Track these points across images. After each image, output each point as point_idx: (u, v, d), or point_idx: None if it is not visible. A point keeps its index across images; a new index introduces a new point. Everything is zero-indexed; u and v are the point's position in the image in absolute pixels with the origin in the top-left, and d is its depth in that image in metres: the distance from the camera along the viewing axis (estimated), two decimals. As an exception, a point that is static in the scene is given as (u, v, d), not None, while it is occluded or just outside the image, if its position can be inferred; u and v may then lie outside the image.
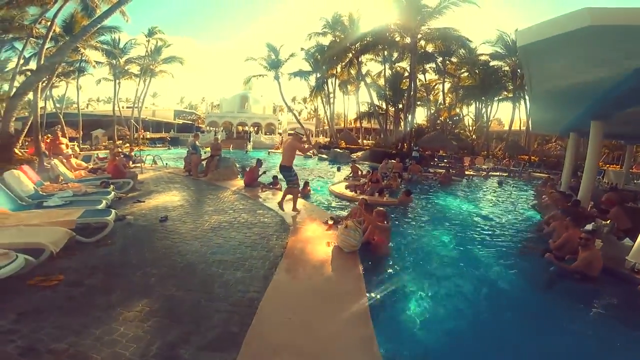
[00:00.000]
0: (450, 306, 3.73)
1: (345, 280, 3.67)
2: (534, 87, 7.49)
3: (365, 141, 37.27)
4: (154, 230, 4.94)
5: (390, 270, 4.49)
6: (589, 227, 5.63)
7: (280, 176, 7.85)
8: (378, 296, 3.60)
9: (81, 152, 14.34)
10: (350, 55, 27.56)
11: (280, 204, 6.53)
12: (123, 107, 36.45)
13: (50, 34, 14.18)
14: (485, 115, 32.48)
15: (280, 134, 40.04)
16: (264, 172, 9.90)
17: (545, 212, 8.40)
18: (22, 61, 20.16)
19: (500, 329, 3.39)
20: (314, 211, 6.83)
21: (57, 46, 16.57)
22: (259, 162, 9.58)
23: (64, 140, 11.80)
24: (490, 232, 7.06)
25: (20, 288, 3.02)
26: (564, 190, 10.37)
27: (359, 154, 22.84)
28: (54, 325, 2.51)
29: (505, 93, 30.19)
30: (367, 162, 20.32)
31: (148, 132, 33.41)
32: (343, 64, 29.35)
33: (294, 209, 6.51)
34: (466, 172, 17.94)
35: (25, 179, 6.31)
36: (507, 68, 28.26)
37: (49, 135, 14.17)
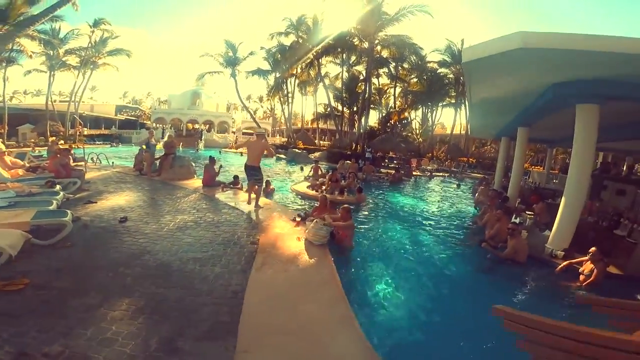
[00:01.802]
0: (408, 287, 4.42)
1: (320, 270, 3.99)
2: (473, 96, 8.50)
3: (321, 142, 37.91)
4: (115, 232, 4.75)
5: (357, 259, 5.14)
6: (515, 220, 6.73)
7: (242, 175, 7.95)
8: (350, 282, 4.07)
9: (12, 150, 12.81)
10: (312, 56, 27.93)
11: (249, 200, 6.94)
12: (56, 101, 32.82)
13: None
14: (430, 119, 34.98)
15: (234, 132, 39.03)
16: (220, 167, 9.79)
17: (481, 208, 9.62)
18: None
19: (448, 304, 4.16)
20: (278, 209, 7.02)
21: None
22: (212, 160, 9.42)
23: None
24: (435, 225, 8.11)
25: None
26: (496, 188, 11.82)
27: (317, 154, 23.24)
28: (36, 329, 2.42)
29: (448, 99, 32.82)
30: (324, 163, 20.86)
31: (86, 129, 30.39)
32: (304, 64, 29.62)
33: (257, 205, 6.75)
34: (413, 173, 19.37)
35: (-46, 178, 5.64)
36: (451, 75, 30.75)
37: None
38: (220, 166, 9.88)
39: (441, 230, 7.64)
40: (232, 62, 30.23)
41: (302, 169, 16.67)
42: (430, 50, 33.12)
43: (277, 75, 32.01)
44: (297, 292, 3.37)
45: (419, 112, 35.99)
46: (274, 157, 23.57)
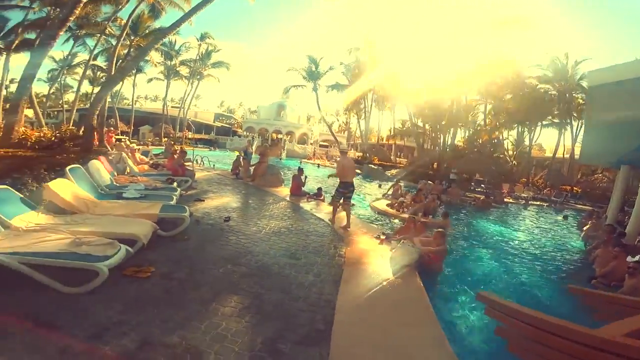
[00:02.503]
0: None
1: (408, 289, 3.94)
2: (593, 118, 7.42)
3: (397, 159, 37.06)
4: (221, 229, 5.30)
5: (445, 283, 5.02)
6: (636, 257, 5.76)
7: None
8: (439, 304, 3.91)
9: (139, 147, 15.41)
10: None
11: (333, 219, 6.68)
12: (169, 107, 38.62)
13: (124, 33, 15.38)
14: (527, 140, 31.43)
15: (311, 144, 40.69)
16: (305, 178, 10.15)
17: (590, 243, 8.59)
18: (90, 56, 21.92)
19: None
20: (360, 224, 7.01)
21: (125, 44, 17.71)
22: (301, 171, 9.87)
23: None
24: (533, 258, 7.34)
25: (116, 278, 3.12)
26: (610, 223, 10.08)
27: (394, 171, 22.77)
28: (159, 317, 2.65)
29: (551, 118, 29.15)
30: (402, 181, 20.27)
31: (190, 133, 35.10)
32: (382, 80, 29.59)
33: (348, 225, 6.33)
34: (505, 200, 17.44)
35: (103, 169, 6.91)
36: (554, 92, 27.36)
37: (111, 128, 15.38)
38: (306, 177, 10.34)
39: (540, 264, 6.91)
40: (314, 76, 31.79)
41: (380, 186, 16.44)
42: (528, 65, 29.89)
43: (355, 90, 32.48)
44: (386, 308, 3.41)
45: (513, 132, 32.68)
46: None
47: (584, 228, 10.22)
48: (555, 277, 6.22)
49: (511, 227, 11.24)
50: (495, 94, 29.32)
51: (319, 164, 27.12)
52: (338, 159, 6.77)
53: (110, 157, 9.13)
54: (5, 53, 17.83)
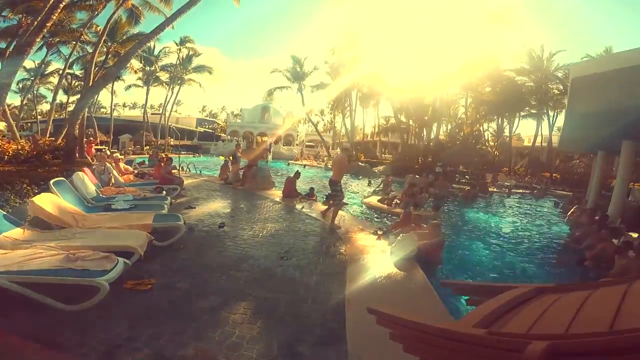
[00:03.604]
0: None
1: (412, 281, 3.98)
2: (574, 108, 7.71)
3: (383, 155, 37.42)
4: (217, 236, 5.20)
5: (444, 275, 5.12)
6: (622, 239, 6.13)
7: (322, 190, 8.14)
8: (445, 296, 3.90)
9: (122, 156, 14.97)
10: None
11: (324, 214, 6.84)
12: (149, 113, 37.74)
13: (102, 40, 14.86)
14: (507, 130, 32.34)
15: (297, 144, 40.61)
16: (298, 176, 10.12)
17: (574, 228, 8.98)
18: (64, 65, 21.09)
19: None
20: (355, 222, 7.04)
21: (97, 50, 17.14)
22: (297, 174, 9.89)
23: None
24: (525, 246, 7.62)
25: (117, 293, 3.01)
26: (590, 207, 10.53)
27: (381, 167, 22.95)
28: (169, 330, 2.57)
29: (528, 109, 30.08)
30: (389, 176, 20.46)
31: (172, 139, 34.37)
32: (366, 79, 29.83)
33: (332, 223, 6.34)
34: (489, 189, 17.88)
35: (88, 181, 6.66)
36: (531, 84, 28.24)
37: (91, 138, 14.88)
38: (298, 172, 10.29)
39: (528, 249, 7.23)
40: (299, 76, 31.69)
41: (370, 182, 16.56)
42: (504, 57, 30.77)
43: (339, 89, 32.63)
44: (394, 302, 3.45)
45: (493, 124, 33.56)
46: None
47: (569, 213, 10.62)
48: (543, 261, 6.44)
49: (498, 215, 11.56)
50: (475, 87, 30.07)
51: (305, 165, 27.09)
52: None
53: (93, 168, 8.84)
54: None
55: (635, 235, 7.50)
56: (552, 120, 30.75)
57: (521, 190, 19.51)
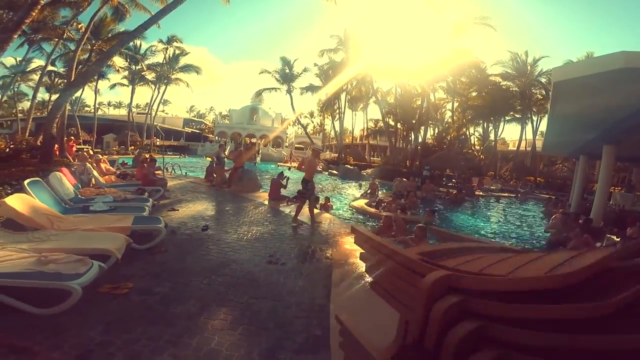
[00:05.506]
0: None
1: None
2: (556, 112, 7.87)
3: (372, 158, 37.62)
4: (200, 239, 5.06)
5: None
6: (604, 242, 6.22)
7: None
8: None
9: (104, 156, 14.57)
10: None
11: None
12: (134, 113, 36.97)
13: (85, 37, 14.45)
14: (493, 135, 32.98)
15: (287, 146, 40.43)
16: (287, 179, 10.02)
17: (556, 231, 8.88)
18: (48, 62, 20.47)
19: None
20: (343, 225, 7.00)
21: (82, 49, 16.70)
22: (282, 175, 9.71)
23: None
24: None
25: (92, 297, 2.93)
26: (574, 210, 10.77)
27: (369, 170, 23.04)
28: (145, 336, 2.49)
29: (512, 113, 30.77)
30: (377, 180, 20.58)
31: (158, 139, 33.70)
32: (355, 81, 29.97)
33: (294, 219, 6.55)
34: (475, 193, 18.15)
35: (66, 181, 6.42)
36: (515, 89, 28.91)
37: (72, 137, 14.45)
38: (287, 178, 10.14)
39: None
40: (288, 78, 31.58)
41: (360, 185, 16.60)
42: (491, 63, 31.58)
43: (329, 91, 32.70)
44: (379, 303, 3.30)
45: (479, 128, 34.24)
46: (326, 173, 23.85)
47: (553, 217, 10.75)
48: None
49: (485, 218, 11.72)
50: (461, 91, 30.63)
51: (289, 167, 26.96)
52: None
53: (73, 169, 8.53)
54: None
55: (617, 238, 7.68)
56: (536, 125, 31.56)
57: (506, 194, 19.90)
